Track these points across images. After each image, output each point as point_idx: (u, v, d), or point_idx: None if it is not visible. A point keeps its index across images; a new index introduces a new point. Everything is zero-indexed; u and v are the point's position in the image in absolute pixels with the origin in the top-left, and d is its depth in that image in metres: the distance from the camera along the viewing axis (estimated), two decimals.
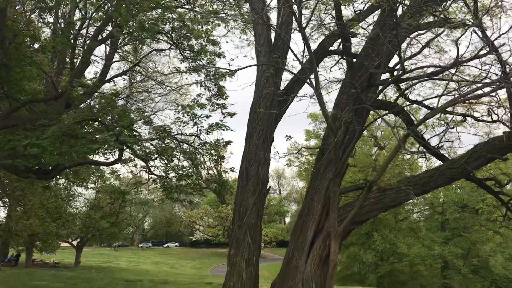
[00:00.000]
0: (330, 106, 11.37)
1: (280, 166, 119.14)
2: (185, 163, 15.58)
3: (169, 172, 14.92)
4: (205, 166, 16.57)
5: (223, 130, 15.70)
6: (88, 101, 16.14)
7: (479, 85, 9.12)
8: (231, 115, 15.67)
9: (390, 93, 14.78)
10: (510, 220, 19.71)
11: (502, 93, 10.67)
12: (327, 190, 10.68)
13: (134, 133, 15.34)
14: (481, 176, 15.43)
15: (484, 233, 38.31)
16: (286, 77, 12.57)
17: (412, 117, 12.72)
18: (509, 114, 10.76)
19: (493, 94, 9.41)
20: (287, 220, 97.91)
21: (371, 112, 11.59)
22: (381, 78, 11.39)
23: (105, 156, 16.27)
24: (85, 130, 16.59)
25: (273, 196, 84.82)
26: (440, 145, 11.01)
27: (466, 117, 12.91)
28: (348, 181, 36.49)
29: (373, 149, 46.84)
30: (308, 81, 9.25)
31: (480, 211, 19.02)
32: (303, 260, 10.25)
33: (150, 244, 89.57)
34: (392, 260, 44.13)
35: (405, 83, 11.09)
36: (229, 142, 15.95)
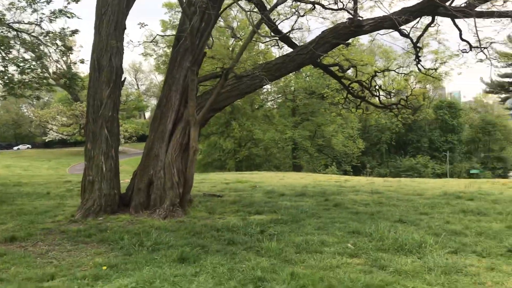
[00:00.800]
0: None
1: (137, 59, 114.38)
2: (27, 55, 14.07)
3: (8, 65, 13.39)
4: (51, 58, 15.16)
5: (69, 17, 14.29)
6: None
7: None
8: (77, 0, 14.22)
9: None
10: (350, 103, 21.96)
11: None
12: (185, 79, 10.63)
13: None
14: (327, 63, 16.64)
15: (328, 115, 42.48)
16: None
17: (266, 5, 12.88)
18: (352, 2, 11.47)
19: None
20: (147, 115, 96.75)
21: None
22: None
23: None
24: None
25: (131, 91, 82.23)
26: (291, 31, 11.44)
27: (315, 5, 13.45)
28: (207, 70, 36.65)
29: (230, 41, 47.01)
30: None
31: (325, 95, 20.84)
32: (163, 149, 10.39)
33: None
34: (249, 145, 47.08)
35: None
36: (76, 31, 14.64)
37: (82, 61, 14.98)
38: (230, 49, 45.57)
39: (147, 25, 10.12)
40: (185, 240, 7.45)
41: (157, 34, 12.19)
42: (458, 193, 13.61)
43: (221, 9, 10.93)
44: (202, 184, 17.75)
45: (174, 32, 45.70)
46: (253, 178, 21.58)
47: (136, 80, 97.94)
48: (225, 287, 5.14)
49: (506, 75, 60.52)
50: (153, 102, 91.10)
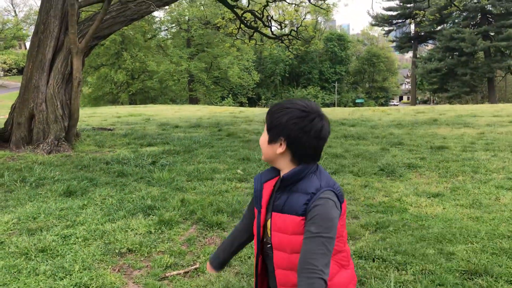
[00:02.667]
0: None
1: None
2: None
3: None
4: None
5: None
6: None
7: None
8: None
9: None
10: (245, 34, 21.91)
11: None
12: (64, 3, 9.77)
13: None
14: None
15: (223, 46, 42.04)
16: None
17: None
18: None
19: None
20: (28, 45, 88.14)
21: None
22: None
23: None
24: None
25: (7, 18, 73.75)
26: None
27: None
28: None
29: None
30: None
31: (219, 25, 20.49)
32: (44, 79, 9.64)
33: None
34: (143, 78, 45.41)
35: None
36: None
37: None
38: None
39: None
40: (72, 174, 7.19)
41: None
42: (342, 120, 14.58)
43: None
44: (92, 118, 17.01)
45: None
46: (147, 111, 21.11)
47: (13, 6, 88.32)
48: (114, 217, 5.11)
49: (390, 9, 63.93)
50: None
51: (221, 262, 2.06)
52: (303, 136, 1.64)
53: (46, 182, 6.67)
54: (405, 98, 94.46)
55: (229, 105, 43.28)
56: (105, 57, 43.39)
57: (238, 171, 7.34)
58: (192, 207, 5.40)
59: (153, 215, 5.15)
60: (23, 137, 9.53)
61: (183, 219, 5.10)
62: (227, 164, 7.89)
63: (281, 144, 1.68)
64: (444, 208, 5.42)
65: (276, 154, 1.71)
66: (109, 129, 12.82)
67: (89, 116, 18.09)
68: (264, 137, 1.75)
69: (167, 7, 39.08)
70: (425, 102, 76.89)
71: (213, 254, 2.10)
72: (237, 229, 2.08)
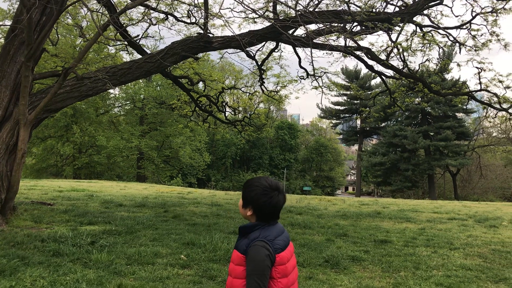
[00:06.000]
0: None
1: None
2: None
3: None
4: None
5: None
6: None
7: None
8: None
9: None
10: (199, 116, 22.35)
11: None
12: (17, 74, 9.69)
13: None
14: (177, 74, 16.73)
15: (176, 127, 42.40)
16: None
17: (117, 8, 12.48)
18: (204, 18, 11.75)
19: None
20: None
21: None
22: None
23: None
24: None
25: None
26: (138, 37, 11.25)
27: (168, 15, 13.50)
28: (49, 69, 33.77)
29: (78, 40, 44.22)
30: None
31: (174, 106, 20.81)
32: None
33: None
34: (90, 152, 44.48)
35: None
36: None
37: None
38: (77, 48, 42.79)
39: None
40: (3, 251, 6.72)
41: None
42: (289, 208, 14.68)
43: (65, 5, 10.27)
44: (32, 191, 16.26)
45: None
46: (91, 187, 20.45)
47: None
48: None
49: (337, 103, 67.55)
50: None
51: None
52: (263, 206, 2.46)
53: None
54: (350, 189, 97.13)
55: (178, 185, 42.71)
56: (54, 129, 42.47)
57: (182, 256, 7.11)
58: None
59: None
60: None
61: None
62: (170, 248, 7.65)
63: (250, 210, 2.50)
64: None
65: (247, 215, 2.53)
66: (49, 204, 12.25)
67: (29, 188, 17.31)
68: (240, 202, 2.57)
69: (123, 85, 39.52)
70: (369, 193, 79.20)
71: None
72: None
